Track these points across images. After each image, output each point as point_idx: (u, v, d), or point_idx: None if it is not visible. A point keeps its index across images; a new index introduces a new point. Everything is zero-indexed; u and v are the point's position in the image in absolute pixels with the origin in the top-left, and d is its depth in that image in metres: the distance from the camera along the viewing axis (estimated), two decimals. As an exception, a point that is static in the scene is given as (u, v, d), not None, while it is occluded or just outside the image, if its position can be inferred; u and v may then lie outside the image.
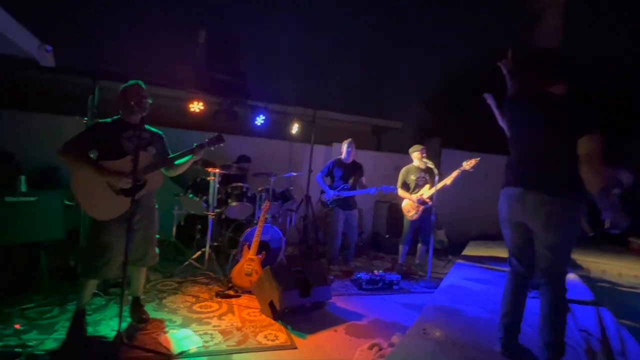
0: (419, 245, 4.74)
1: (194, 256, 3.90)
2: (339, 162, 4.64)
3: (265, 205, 3.80)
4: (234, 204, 4.14)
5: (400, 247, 4.66)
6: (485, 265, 4.38)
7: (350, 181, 4.56)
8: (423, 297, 3.79)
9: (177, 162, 2.56)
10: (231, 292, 3.36)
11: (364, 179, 4.64)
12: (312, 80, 6.78)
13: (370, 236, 6.48)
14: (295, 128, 5.31)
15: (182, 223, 4.55)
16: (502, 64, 2.65)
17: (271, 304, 2.86)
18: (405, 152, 7.46)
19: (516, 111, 2.12)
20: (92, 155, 2.39)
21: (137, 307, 2.68)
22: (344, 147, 4.60)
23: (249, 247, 3.57)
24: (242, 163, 5.09)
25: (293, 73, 6.62)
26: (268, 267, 2.95)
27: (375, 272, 4.02)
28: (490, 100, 3.38)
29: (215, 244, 4.28)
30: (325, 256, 5.12)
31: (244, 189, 4.28)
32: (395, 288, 3.93)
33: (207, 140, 2.65)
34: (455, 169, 4.37)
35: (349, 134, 5.32)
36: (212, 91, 4.57)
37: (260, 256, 3.54)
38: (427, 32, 8.86)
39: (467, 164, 4.26)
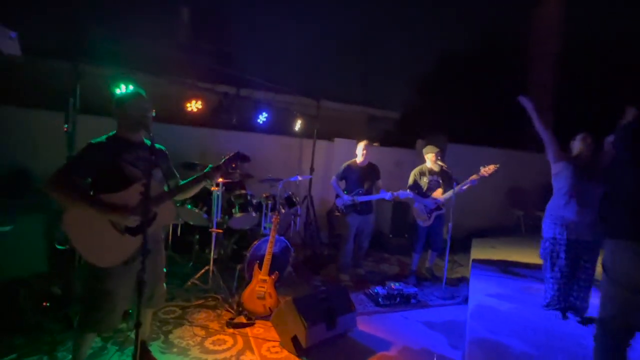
0: (430, 250, 4.57)
1: (197, 275, 3.52)
2: (353, 165, 4.29)
3: (275, 219, 3.44)
4: (238, 215, 3.76)
5: (413, 255, 4.47)
6: (502, 274, 4.26)
7: (366, 185, 4.24)
8: (443, 312, 3.64)
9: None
10: (243, 320, 3.04)
11: (380, 182, 4.33)
12: (311, 68, 6.28)
13: (373, 236, 6.26)
14: (298, 124, 4.89)
15: (179, 233, 4.13)
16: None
17: (295, 340, 2.58)
18: (399, 145, 7.21)
19: None
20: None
21: (143, 353, 2.32)
22: (360, 149, 4.24)
23: (260, 267, 3.24)
24: (240, 164, 4.65)
25: (291, 60, 6.08)
26: (291, 299, 2.64)
27: (393, 285, 3.80)
28: (527, 103, 3.10)
29: (215, 256, 3.90)
30: (332, 261, 4.87)
31: (248, 197, 3.90)
32: (412, 302, 3.74)
33: (223, 160, 2.26)
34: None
35: (345, 126, 4.98)
36: (207, 78, 4.03)
37: (273, 276, 3.22)
38: (426, 19, 8.41)
39: (485, 171, 4.05)
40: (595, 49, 7.81)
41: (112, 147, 1.94)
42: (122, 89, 2.86)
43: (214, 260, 3.70)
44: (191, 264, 4.04)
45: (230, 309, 3.18)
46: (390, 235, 5.89)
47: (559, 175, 2.89)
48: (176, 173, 2.31)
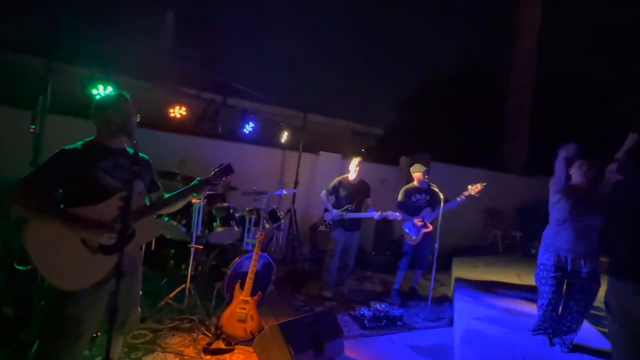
0: (415, 270, 4.49)
1: (172, 294, 3.25)
2: (345, 181, 4.20)
3: (260, 234, 3.26)
4: (219, 229, 3.54)
5: (397, 272, 4.38)
6: (488, 295, 4.23)
7: (355, 202, 4.14)
8: (430, 335, 3.54)
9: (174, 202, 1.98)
10: (222, 345, 2.80)
11: (369, 200, 4.25)
12: (298, 80, 6.19)
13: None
14: (285, 136, 4.76)
15: (152, 247, 3.83)
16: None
17: (280, 369, 2.38)
18: (383, 161, 7.23)
19: None
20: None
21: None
22: (353, 165, 4.16)
23: (241, 286, 3.03)
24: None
25: (278, 71, 5.97)
26: (276, 325, 2.45)
27: (378, 307, 3.68)
28: (571, 150, 2.78)
29: (192, 273, 3.62)
30: (315, 278, 4.71)
31: (231, 210, 3.69)
32: (399, 324, 3.62)
33: (213, 173, 2.09)
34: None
35: (329, 140, 4.90)
36: (193, 84, 3.84)
37: (256, 297, 3.01)
38: (411, 41, 8.62)
39: (473, 189, 4.07)
40: (568, 77, 8.27)
41: (88, 154, 1.73)
42: (99, 90, 2.64)
43: (191, 277, 3.45)
44: (164, 280, 3.75)
45: (207, 333, 2.93)
46: (373, 253, 5.80)
47: (556, 204, 2.85)
48: (160, 185, 2.10)
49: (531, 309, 3.82)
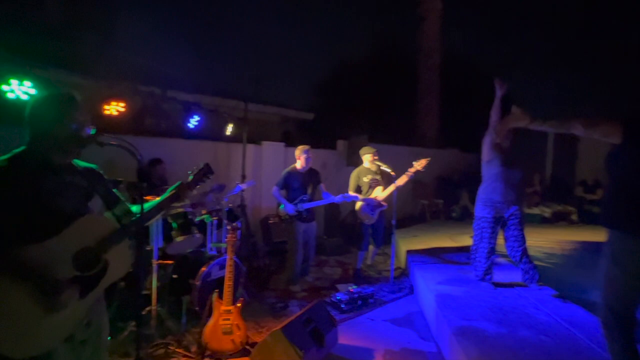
0: (370, 247, 4.72)
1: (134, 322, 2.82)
2: (294, 172, 4.11)
3: (231, 237, 3.01)
4: (179, 238, 3.16)
5: (358, 253, 4.56)
6: (438, 260, 4.68)
7: (309, 190, 4.11)
8: (399, 306, 3.82)
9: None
10: (211, 363, 2.57)
11: (323, 186, 4.26)
12: (229, 70, 5.73)
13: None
14: (230, 128, 4.43)
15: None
16: None
17: (288, 373, 2.29)
18: (319, 146, 7.33)
19: None
20: None
21: None
22: (301, 154, 4.07)
23: (220, 296, 2.79)
24: (156, 167, 3.91)
25: (201, 60, 5.42)
26: (279, 330, 2.33)
27: (351, 289, 3.79)
28: (500, 88, 3.29)
29: (148, 292, 3.17)
30: (276, 272, 4.60)
31: (189, 216, 3.32)
32: (371, 302, 3.80)
33: (193, 176, 1.84)
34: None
35: (263, 129, 4.74)
36: (128, 76, 3.24)
37: (239, 304, 2.82)
38: (325, 24, 8.74)
39: (418, 164, 4.37)
40: (470, 56, 9.39)
41: (25, 172, 1.33)
42: (12, 86, 2.07)
43: (147, 296, 3.03)
44: (115, 305, 3.23)
45: (188, 354, 2.65)
46: (325, 237, 5.91)
47: (491, 162, 3.32)
48: (120, 196, 1.75)
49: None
